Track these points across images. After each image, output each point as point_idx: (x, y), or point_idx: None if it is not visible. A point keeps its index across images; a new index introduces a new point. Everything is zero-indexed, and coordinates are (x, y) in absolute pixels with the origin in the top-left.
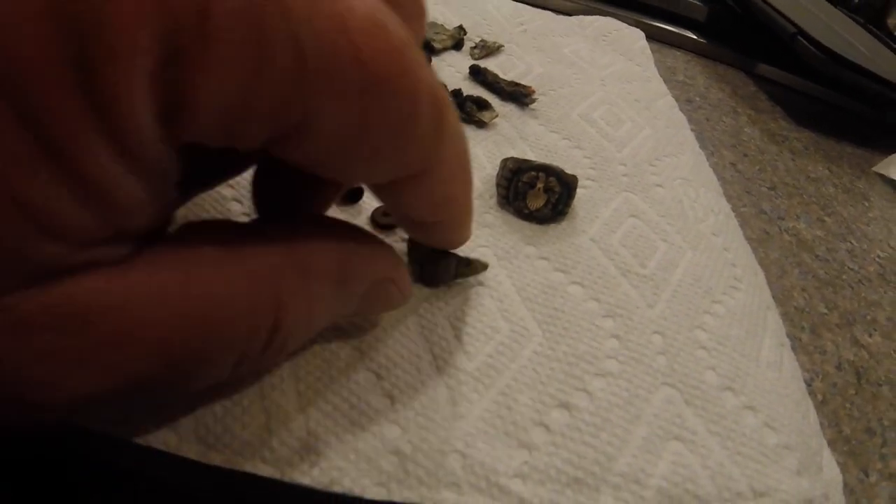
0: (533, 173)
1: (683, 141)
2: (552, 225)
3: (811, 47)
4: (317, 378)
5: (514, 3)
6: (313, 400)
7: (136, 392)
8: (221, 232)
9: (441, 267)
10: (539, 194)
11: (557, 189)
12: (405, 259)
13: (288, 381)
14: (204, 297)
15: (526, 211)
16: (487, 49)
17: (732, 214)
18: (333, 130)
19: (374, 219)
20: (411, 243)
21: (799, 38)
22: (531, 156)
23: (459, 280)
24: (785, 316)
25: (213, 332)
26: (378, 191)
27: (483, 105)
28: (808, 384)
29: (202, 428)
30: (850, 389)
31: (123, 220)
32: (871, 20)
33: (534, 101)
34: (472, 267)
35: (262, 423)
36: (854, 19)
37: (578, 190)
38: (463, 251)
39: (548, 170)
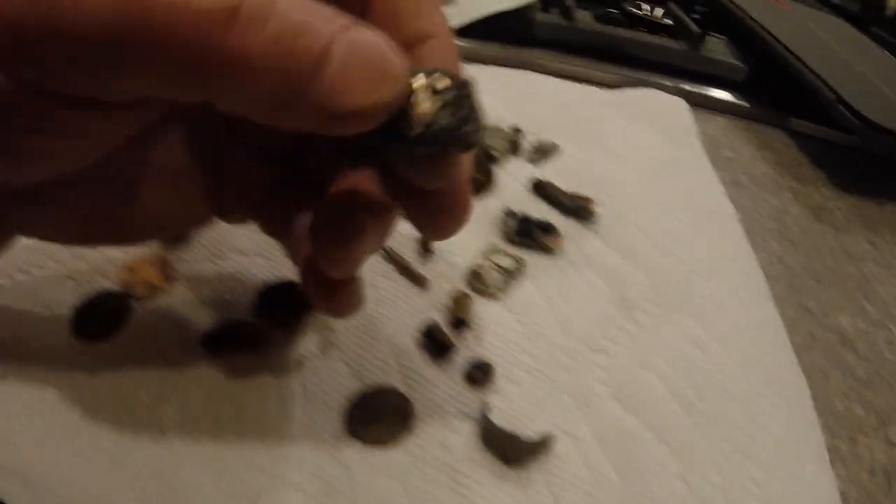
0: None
1: (734, 243)
2: (619, 358)
3: (851, 117)
4: None
5: (562, 85)
6: None
7: None
8: None
9: (524, 449)
10: (425, 99)
11: (446, 85)
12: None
13: None
14: None
15: (416, 130)
16: (543, 152)
17: (781, 324)
18: None
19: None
20: (488, 433)
21: (839, 105)
22: (596, 280)
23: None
24: (825, 427)
25: None
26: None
27: (548, 229)
28: (842, 493)
29: None
30: (879, 495)
31: None
32: None
33: (593, 214)
34: (545, 444)
35: None
36: None
37: (641, 315)
38: (552, 420)
39: (424, 70)
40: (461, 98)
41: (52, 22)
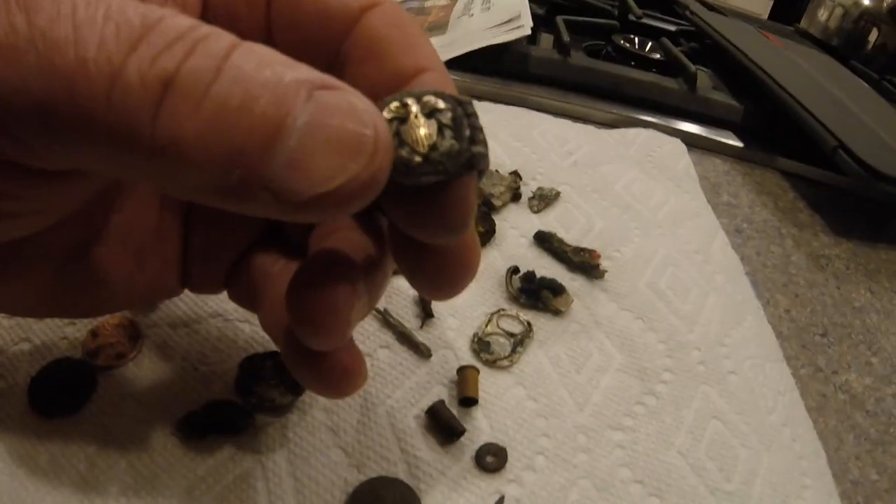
0: (396, 104)
1: (744, 299)
2: (639, 434)
3: (852, 163)
4: None
5: (559, 125)
6: None
7: None
8: None
9: None
10: (421, 123)
11: (443, 106)
12: None
13: None
14: None
15: (416, 159)
16: (545, 200)
17: (795, 387)
18: None
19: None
20: None
21: (839, 151)
22: (609, 346)
23: None
24: (843, 494)
25: None
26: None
27: (557, 290)
28: None
29: None
30: None
31: None
32: None
33: (602, 274)
34: None
35: None
36: None
37: (659, 386)
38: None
39: (414, 94)
40: (462, 117)
41: None
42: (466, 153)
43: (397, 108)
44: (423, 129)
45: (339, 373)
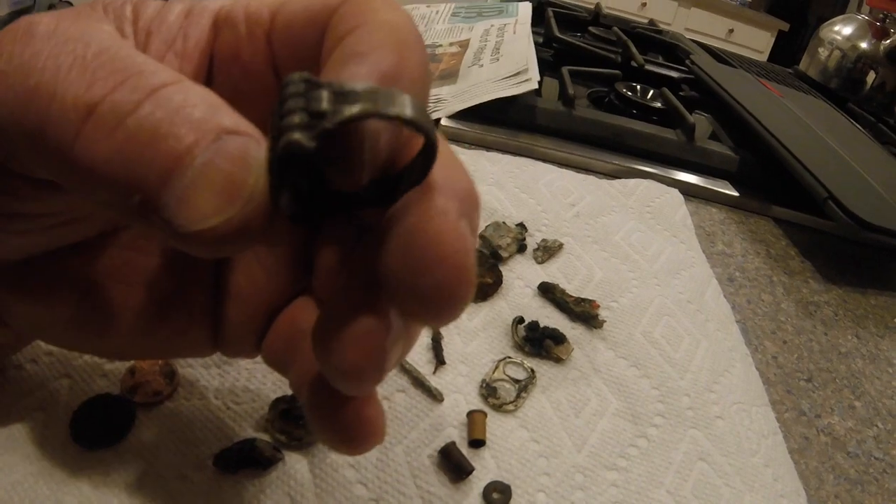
0: (291, 88)
1: (733, 346)
2: (631, 474)
3: (841, 213)
4: None
5: (563, 176)
6: None
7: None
8: None
9: None
10: (292, 106)
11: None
12: None
13: None
14: None
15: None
16: (549, 251)
17: (778, 430)
18: None
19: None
20: None
21: (830, 202)
22: (606, 392)
23: None
24: None
25: None
26: None
27: (559, 339)
28: None
29: None
30: None
31: None
32: None
33: (601, 323)
34: None
35: None
36: None
37: (650, 430)
38: None
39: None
40: (276, 118)
41: None
42: (271, 162)
43: (287, 95)
44: (294, 118)
45: (362, 425)
